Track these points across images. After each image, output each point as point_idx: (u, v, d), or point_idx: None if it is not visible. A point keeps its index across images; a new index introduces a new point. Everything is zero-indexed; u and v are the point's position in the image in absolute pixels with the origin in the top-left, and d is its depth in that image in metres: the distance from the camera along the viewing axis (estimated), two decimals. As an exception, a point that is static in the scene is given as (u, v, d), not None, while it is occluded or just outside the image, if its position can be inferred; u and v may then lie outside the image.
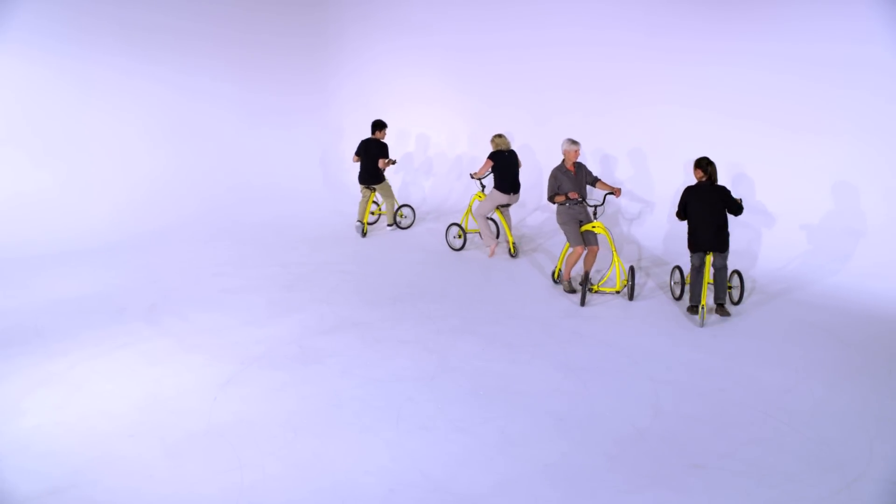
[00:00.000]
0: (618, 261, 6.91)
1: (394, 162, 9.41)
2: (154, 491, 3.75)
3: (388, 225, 9.76)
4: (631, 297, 6.82)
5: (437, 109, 11.23)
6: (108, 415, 4.54)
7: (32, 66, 9.05)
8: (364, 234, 9.48)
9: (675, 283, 6.92)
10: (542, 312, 6.51)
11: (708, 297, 6.49)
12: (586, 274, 6.78)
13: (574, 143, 7.13)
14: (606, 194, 7.32)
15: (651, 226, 8.67)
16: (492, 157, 8.30)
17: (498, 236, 8.93)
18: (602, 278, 7.27)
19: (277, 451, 4.13)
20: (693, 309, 6.30)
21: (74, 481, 3.82)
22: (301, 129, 12.11)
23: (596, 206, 7.08)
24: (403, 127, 11.42)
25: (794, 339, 5.84)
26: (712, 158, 6.49)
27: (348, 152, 11.99)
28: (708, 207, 6.20)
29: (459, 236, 8.74)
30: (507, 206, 8.48)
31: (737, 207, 6.26)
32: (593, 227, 6.95)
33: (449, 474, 3.91)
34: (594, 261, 6.95)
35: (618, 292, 6.95)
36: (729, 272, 6.59)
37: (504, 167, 8.26)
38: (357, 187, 11.01)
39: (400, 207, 9.89)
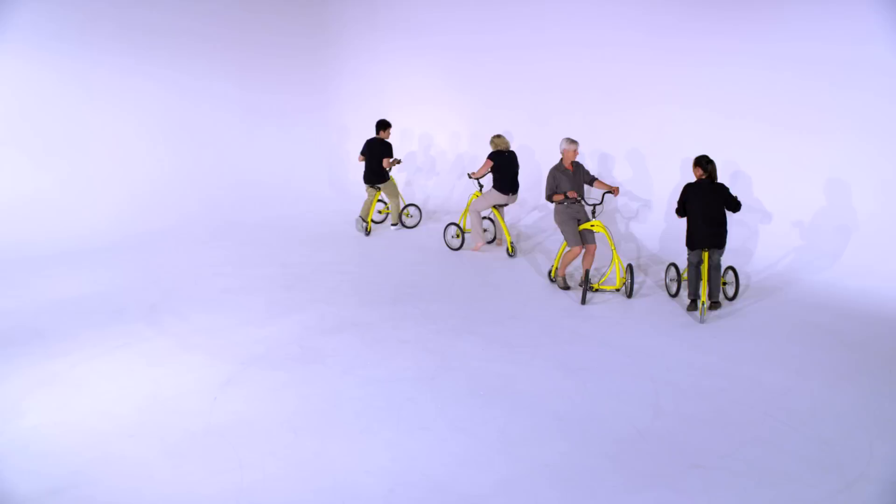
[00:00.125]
0: (617, 259, 6.93)
1: (398, 161, 9.42)
2: (154, 491, 3.75)
3: (393, 224, 9.75)
4: (630, 295, 6.85)
5: (437, 109, 11.24)
6: (108, 415, 4.54)
7: (32, 66, 9.05)
8: (368, 232, 9.50)
9: (670, 280, 6.98)
10: (542, 312, 6.51)
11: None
12: (586, 273, 6.79)
13: (573, 142, 7.14)
14: (605, 193, 7.34)
15: (648, 224, 8.70)
16: (491, 157, 8.31)
17: (496, 237, 8.95)
18: (602, 277, 7.29)
19: (277, 451, 4.13)
20: (693, 304, 6.35)
21: (74, 481, 3.82)
22: (301, 129, 12.11)
23: (595, 205, 7.11)
24: (404, 127, 11.42)
25: (794, 339, 5.84)
26: (711, 157, 6.50)
27: (349, 152, 12.03)
28: (707, 205, 6.25)
29: (457, 236, 8.75)
30: (505, 205, 8.50)
31: (735, 204, 6.30)
32: (592, 225, 6.96)
33: (449, 474, 3.90)
34: (593, 259, 6.97)
35: (617, 290, 6.97)
36: (723, 268, 6.67)
37: (503, 167, 8.27)
38: (362, 187, 11.04)
39: (406, 207, 9.92)
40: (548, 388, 4.96)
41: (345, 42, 12.23)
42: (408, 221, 9.96)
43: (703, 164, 6.32)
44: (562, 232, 7.08)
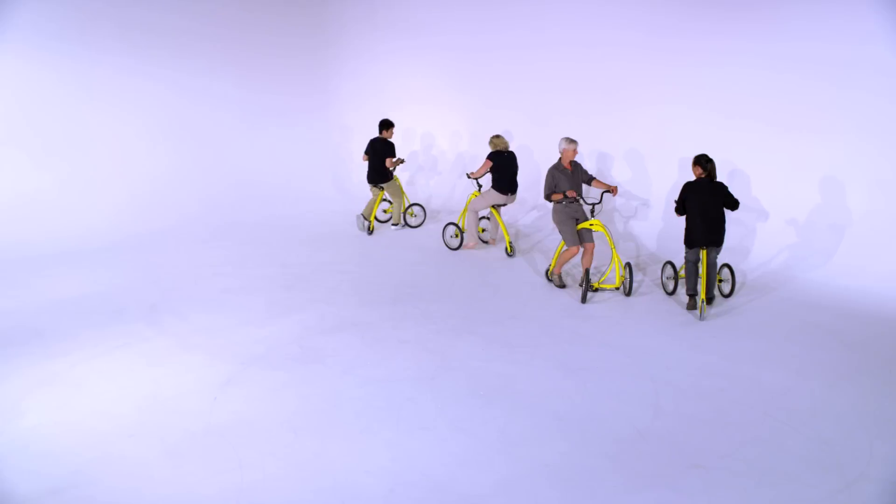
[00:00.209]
0: (617, 258, 6.94)
1: (401, 161, 9.42)
2: (154, 491, 3.75)
3: (393, 225, 9.75)
4: (628, 293, 6.88)
5: (437, 109, 11.24)
6: (108, 415, 4.54)
7: (32, 66, 9.05)
8: (370, 231, 9.51)
9: (667, 278, 7.05)
10: (542, 312, 6.51)
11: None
12: (586, 272, 6.81)
13: (572, 141, 7.15)
14: (603, 192, 7.37)
15: (647, 223, 8.72)
16: (490, 157, 8.32)
17: (489, 238, 8.98)
18: (602, 276, 7.32)
19: (277, 451, 4.13)
20: (692, 301, 6.41)
21: (74, 481, 3.82)
22: (301, 130, 12.11)
23: (594, 205, 7.13)
24: (405, 127, 11.42)
25: (794, 339, 5.84)
26: (710, 156, 6.55)
27: (350, 152, 12.03)
28: (706, 204, 6.29)
29: (456, 235, 8.76)
30: (504, 205, 8.51)
31: (733, 203, 6.37)
32: (591, 225, 6.98)
33: (449, 474, 3.91)
34: (592, 258, 6.99)
35: (617, 289, 7.01)
36: (719, 266, 6.75)
37: (502, 167, 8.29)
38: (363, 187, 11.06)
39: (411, 206, 9.93)
40: (548, 388, 4.96)
41: (345, 42, 12.23)
42: (412, 221, 9.97)
43: (703, 163, 6.36)
44: (560, 231, 7.10)
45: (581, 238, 7.01)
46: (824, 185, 7.35)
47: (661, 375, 5.15)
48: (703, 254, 6.32)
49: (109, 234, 9.00)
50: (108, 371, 5.19)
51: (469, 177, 8.45)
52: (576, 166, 7.23)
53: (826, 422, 4.48)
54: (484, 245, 8.87)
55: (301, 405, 4.69)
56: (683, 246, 6.64)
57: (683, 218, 6.64)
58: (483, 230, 9.05)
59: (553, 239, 8.89)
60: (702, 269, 6.30)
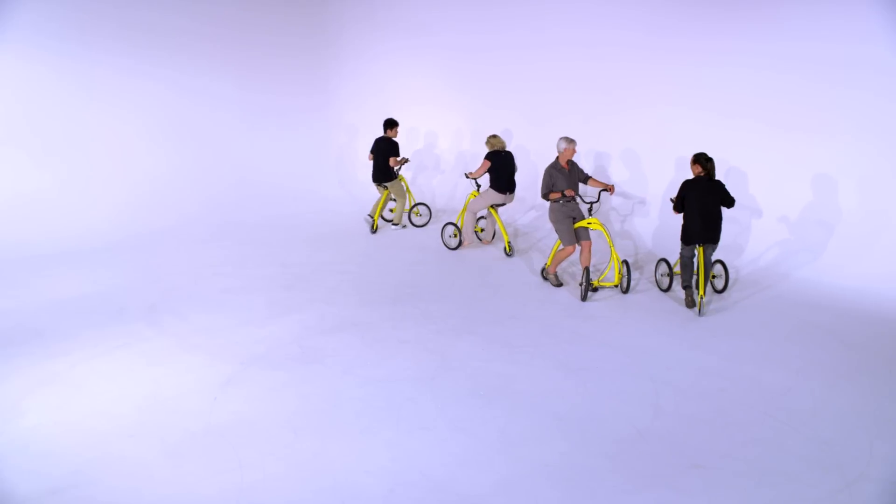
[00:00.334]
0: (616, 256, 6.96)
1: (406, 160, 9.43)
2: (154, 491, 3.75)
3: (394, 224, 9.75)
4: (625, 291, 6.96)
5: (437, 109, 11.24)
6: (108, 415, 4.54)
7: (32, 66, 9.05)
8: (374, 230, 9.52)
9: (661, 275, 7.13)
10: (542, 312, 6.51)
11: (695, 291, 6.71)
12: (586, 270, 6.83)
13: (571, 141, 7.17)
14: (601, 191, 7.40)
15: (644, 221, 8.75)
16: (488, 157, 8.34)
17: (493, 237, 8.99)
18: (601, 274, 7.36)
19: (277, 451, 4.13)
20: (688, 295, 6.50)
21: (74, 481, 3.82)
22: (301, 129, 12.11)
23: (591, 203, 7.17)
24: (407, 127, 11.42)
25: (794, 339, 5.85)
26: (710, 156, 6.58)
27: (348, 152, 12.03)
28: (705, 201, 6.36)
29: (455, 235, 8.77)
30: (502, 205, 8.52)
31: (730, 201, 6.45)
32: (589, 223, 7.00)
33: (449, 474, 3.91)
34: (590, 255, 7.01)
35: (616, 286, 7.04)
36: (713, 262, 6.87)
37: (500, 167, 8.30)
38: (364, 187, 11.07)
39: (416, 205, 9.94)
40: (548, 388, 4.96)
41: (345, 42, 12.23)
42: (418, 220, 9.98)
43: (703, 161, 6.43)
44: (556, 230, 7.13)
45: (578, 236, 7.04)
46: (822, 185, 7.35)
47: (661, 375, 5.15)
48: (699, 251, 6.39)
49: (109, 234, 9.00)
50: (108, 371, 5.19)
51: (467, 177, 8.46)
52: (572, 165, 7.25)
53: (826, 422, 4.48)
54: (480, 244, 8.89)
55: (301, 405, 4.69)
56: (679, 243, 6.69)
57: (680, 215, 6.70)
58: (481, 230, 9.06)
59: (552, 238, 8.90)
60: (699, 266, 6.36)
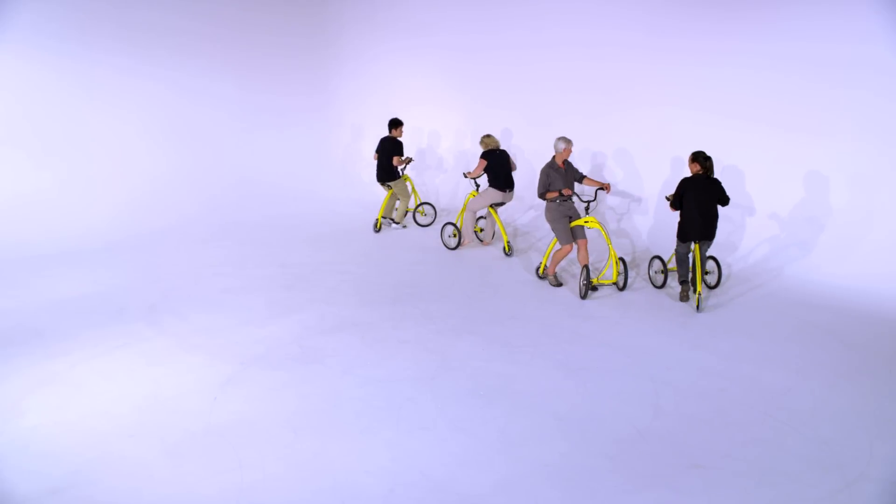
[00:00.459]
0: (614, 254, 6.98)
1: (410, 160, 9.43)
2: (154, 491, 3.75)
3: (395, 223, 9.75)
4: (622, 288, 7.03)
5: (437, 109, 11.24)
6: (108, 415, 4.54)
7: (32, 66, 9.05)
8: (377, 229, 9.53)
9: (654, 272, 7.20)
10: (542, 312, 6.51)
11: (691, 287, 6.78)
12: (585, 268, 6.84)
13: (568, 141, 7.20)
14: (597, 190, 7.42)
15: (641, 218, 8.81)
16: (484, 156, 8.36)
17: (493, 237, 9.00)
18: (600, 273, 7.41)
19: (277, 451, 4.13)
20: (684, 287, 6.61)
21: (74, 481, 3.82)
22: (301, 129, 12.11)
23: (588, 202, 7.19)
24: (408, 126, 11.42)
25: (794, 339, 5.85)
26: (708, 154, 6.65)
27: (348, 152, 12.03)
28: (703, 199, 6.44)
29: (454, 235, 8.78)
30: (502, 203, 8.53)
31: (726, 199, 6.55)
32: (586, 222, 7.02)
33: (449, 474, 3.91)
34: (588, 253, 7.03)
35: (615, 283, 7.09)
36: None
37: (497, 165, 8.32)
38: (366, 187, 11.08)
39: (421, 205, 9.93)
40: (548, 388, 4.96)
41: (345, 42, 12.23)
42: (422, 220, 9.99)
43: (701, 160, 6.52)
44: (553, 230, 7.15)
45: (574, 235, 7.06)
46: (822, 185, 7.34)
47: (661, 375, 5.15)
48: (695, 247, 6.46)
49: (109, 234, 9.00)
50: (108, 371, 5.19)
51: (466, 176, 8.47)
52: (568, 165, 7.29)
53: (826, 422, 4.48)
54: (479, 243, 8.89)
55: (301, 405, 4.69)
56: (676, 240, 6.76)
57: (677, 213, 6.77)
58: (481, 230, 9.06)
59: (551, 238, 8.89)
60: (695, 263, 6.43)
